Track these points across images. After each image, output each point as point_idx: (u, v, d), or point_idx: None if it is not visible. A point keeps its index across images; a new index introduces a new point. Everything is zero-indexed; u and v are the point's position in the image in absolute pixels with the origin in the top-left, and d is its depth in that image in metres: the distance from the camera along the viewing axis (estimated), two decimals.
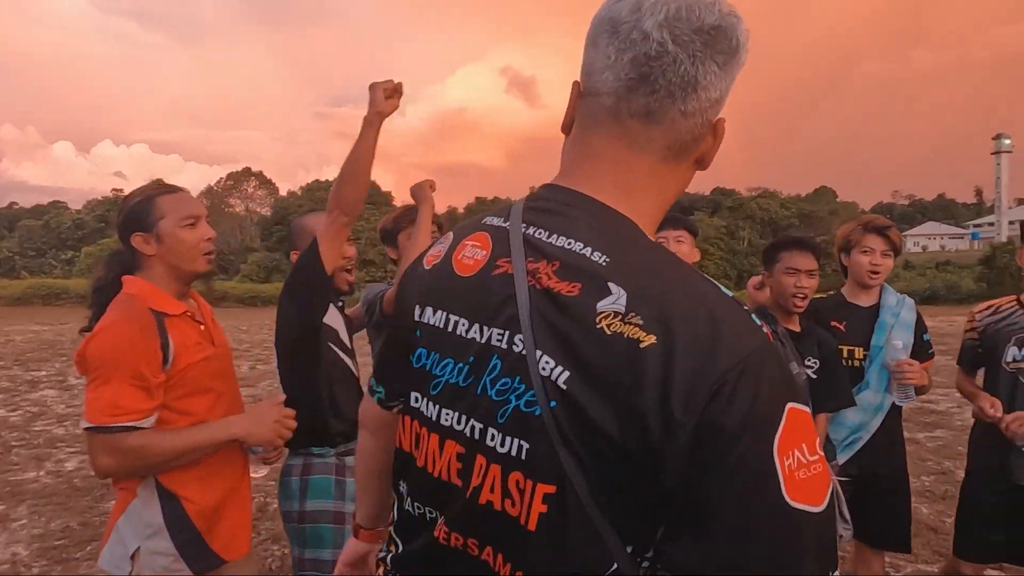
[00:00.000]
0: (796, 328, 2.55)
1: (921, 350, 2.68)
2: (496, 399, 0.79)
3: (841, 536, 2.52)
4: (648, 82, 0.77)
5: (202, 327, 1.89)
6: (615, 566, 0.74)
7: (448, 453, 0.84)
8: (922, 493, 4.83)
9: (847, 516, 2.52)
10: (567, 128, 0.88)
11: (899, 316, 2.69)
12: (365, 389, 1.10)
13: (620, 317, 0.73)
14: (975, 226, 73.51)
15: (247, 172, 67.92)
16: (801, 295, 2.47)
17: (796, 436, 0.70)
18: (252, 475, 1.96)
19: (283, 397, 1.93)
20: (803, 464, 0.70)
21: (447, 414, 0.85)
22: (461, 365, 0.84)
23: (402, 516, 0.94)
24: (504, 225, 0.87)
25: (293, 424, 1.86)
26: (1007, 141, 63.99)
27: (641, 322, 0.72)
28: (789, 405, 0.71)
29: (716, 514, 0.68)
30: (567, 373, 0.74)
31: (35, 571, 3.70)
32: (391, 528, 0.97)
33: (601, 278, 0.75)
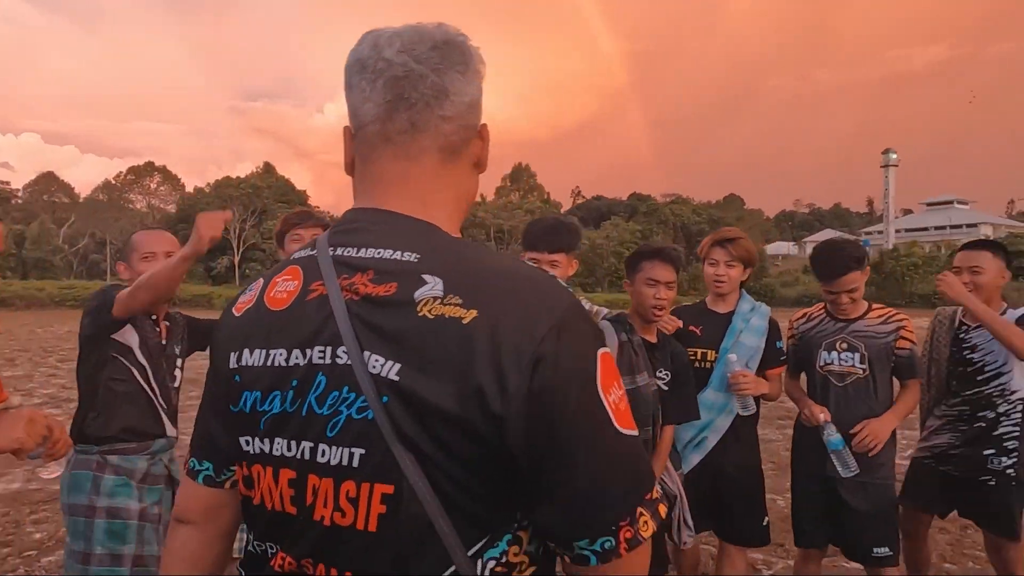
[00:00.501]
0: (652, 339, 2.59)
1: (772, 357, 2.85)
2: (326, 414, 0.79)
3: (685, 543, 2.67)
4: (404, 99, 0.84)
5: None
6: (452, 567, 0.76)
7: (282, 483, 0.83)
8: None
9: (690, 522, 2.66)
10: (349, 168, 0.94)
11: (749, 322, 2.84)
12: (180, 473, 0.99)
13: (439, 300, 0.76)
14: (866, 234, 78.74)
15: (150, 167, 64.55)
16: (659, 306, 2.53)
17: (611, 376, 0.80)
18: (45, 476, 1.76)
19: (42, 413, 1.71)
20: (620, 398, 0.80)
21: (278, 443, 0.84)
22: (286, 392, 0.83)
23: (246, 552, 0.92)
24: (312, 253, 0.88)
25: (42, 432, 1.63)
26: (894, 155, 68.86)
27: (460, 301, 0.76)
28: (600, 351, 0.80)
29: (570, 464, 0.75)
30: (398, 365, 0.75)
31: None
32: (238, 563, 0.94)
33: (415, 273, 0.79)
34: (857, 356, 2.78)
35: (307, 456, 0.80)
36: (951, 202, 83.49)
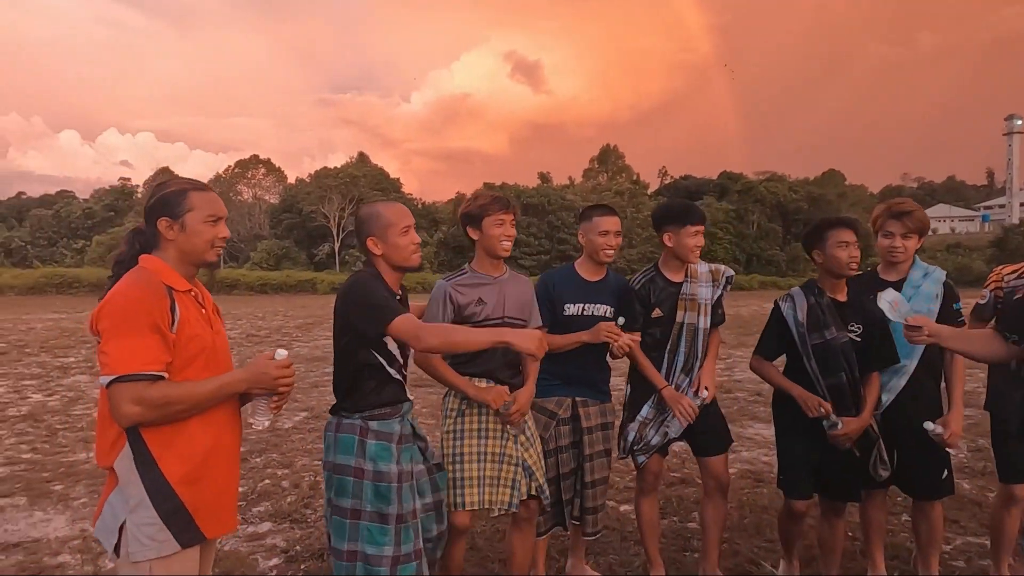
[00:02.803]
0: (843, 298, 3.00)
1: (950, 319, 2.95)
2: None
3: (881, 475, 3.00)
4: None
5: (203, 311, 2.01)
6: None
7: None
8: (961, 469, 4.90)
9: (885, 459, 2.97)
10: None
11: (920, 288, 3.01)
12: None
13: None
14: (986, 208, 72.46)
15: (255, 159, 67.95)
16: (855, 261, 2.92)
17: None
18: (255, 427, 2.04)
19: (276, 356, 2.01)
20: None
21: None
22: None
23: None
24: None
25: (291, 375, 1.99)
26: (1019, 122, 62.96)
27: None
28: None
29: None
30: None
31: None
32: None
33: None
34: None
35: None
36: None
